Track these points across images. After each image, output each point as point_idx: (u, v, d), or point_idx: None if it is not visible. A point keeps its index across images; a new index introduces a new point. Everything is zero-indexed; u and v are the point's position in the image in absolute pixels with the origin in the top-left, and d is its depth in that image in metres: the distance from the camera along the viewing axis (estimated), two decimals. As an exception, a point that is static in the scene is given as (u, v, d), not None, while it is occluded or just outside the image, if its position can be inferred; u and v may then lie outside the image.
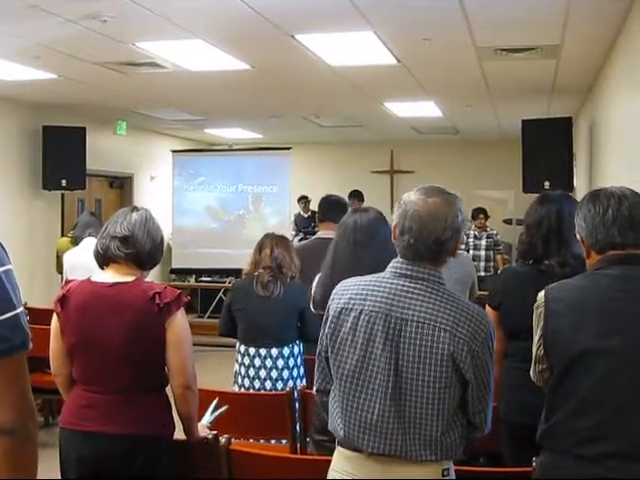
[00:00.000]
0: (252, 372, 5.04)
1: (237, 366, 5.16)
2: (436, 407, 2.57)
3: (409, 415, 2.58)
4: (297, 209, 13.89)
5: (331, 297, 2.82)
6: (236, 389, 5.10)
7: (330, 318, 2.76)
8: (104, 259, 3.43)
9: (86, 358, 3.33)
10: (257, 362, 5.04)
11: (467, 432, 2.69)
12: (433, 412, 2.57)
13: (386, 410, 2.60)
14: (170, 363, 3.30)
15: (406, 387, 2.58)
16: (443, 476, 2.63)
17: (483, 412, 2.67)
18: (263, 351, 5.04)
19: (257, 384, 5.03)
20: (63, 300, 3.37)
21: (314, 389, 2.96)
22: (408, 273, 2.65)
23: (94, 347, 3.29)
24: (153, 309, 3.25)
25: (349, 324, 2.68)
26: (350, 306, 2.70)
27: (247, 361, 5.07)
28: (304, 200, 13.81)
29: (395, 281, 2.66)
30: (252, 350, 5.06)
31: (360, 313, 2.66)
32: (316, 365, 2.94)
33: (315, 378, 2.94)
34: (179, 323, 3.29)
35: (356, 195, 12.03)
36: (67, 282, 3.51)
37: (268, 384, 5.01)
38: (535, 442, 2.73)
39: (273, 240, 5.18)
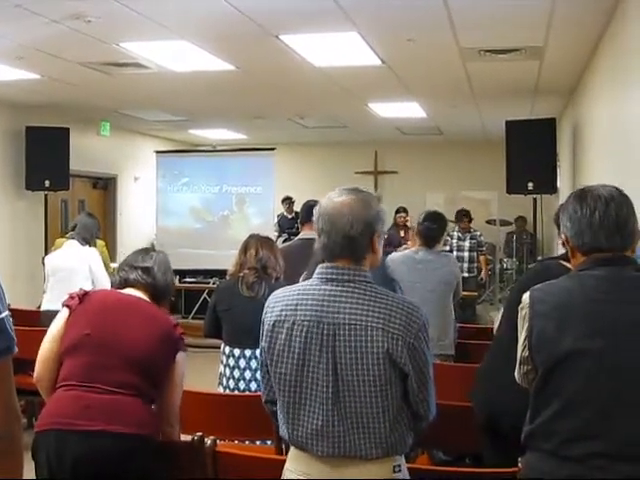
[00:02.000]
0: (237, 373, 5.03)
1: (222, 367, 5.14)
2: (380, 405, 2.59)
3: (354, 416, 2.60)
4: (281, 210, 13.88)
5: (264, 310, 2.83)
6: (221, 390, 5.09)
7: (265, 332, 2.77)
8: (123, 283, 3.61)
9: (93, 352, 3.32)
10: (242, 363, 5.03)
11: (413, 423, 2.72)
12: (378, 410, 2.60)
13: (329, 415, 2.61)
14: (167, 401, 3.44)
15: (347, 390, 2.60)
16: (394, 472, 2.66)
17: (425, 401, 2.69)
18: (248, 352, 5.02)
19: (242, 385, 5.01)
20: (84, 295, 3.47)
21: (262, 400, 2.96)
22: (334, 277, 2.67)
23: (108, 343, 3.32)
24: (175, 334, 3.47)
25: (284, 335, 2.70)
26: (282, 318, 2.71)
27: (232, 362, 5.05)
28: (288, 201, 13.81)
29: (323, 287, 2.68)
30: (237, 351, 5.04)
31: (293, 324, 2.68)
32: (261, 377, 2.96)
33: (262, 390, 2.95)
34: (182, 363, 3.49)
35: None
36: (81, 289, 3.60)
37: (253, 385, 4.99)
38: (514, 440, 2.74)
39: (258, 241, 5.17)
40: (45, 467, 3.24)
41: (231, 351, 5.07)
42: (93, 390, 3.27)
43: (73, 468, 3.19)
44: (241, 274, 5.08)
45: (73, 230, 7.47)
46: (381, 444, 2.61)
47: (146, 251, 3.73)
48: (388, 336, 2.57)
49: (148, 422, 3.32)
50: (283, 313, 2.72)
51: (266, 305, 2.84)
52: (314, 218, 2.74)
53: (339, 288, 2.65)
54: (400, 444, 2.67)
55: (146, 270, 3.58)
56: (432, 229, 5.72)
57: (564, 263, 3.71)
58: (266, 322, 2.78)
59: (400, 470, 2.68)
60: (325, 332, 2.62)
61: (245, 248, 5.16)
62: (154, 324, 3.44)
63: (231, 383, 5.04)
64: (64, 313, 3.44)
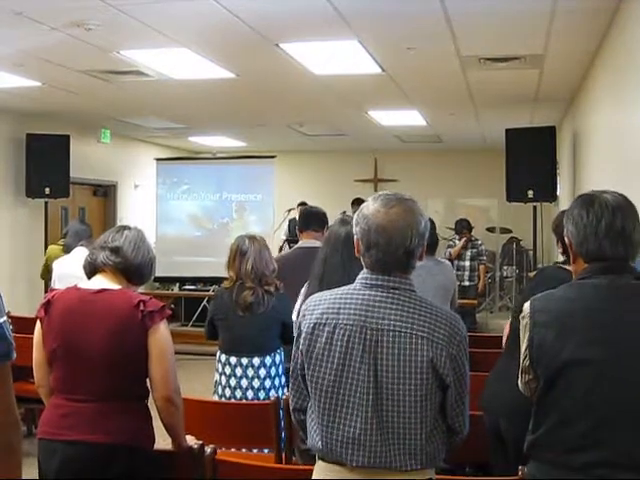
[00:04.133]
0: (233, 382, 5.00)
1: (217, 376, 5.10)
2: (419, 415, 2.55)
3: (392, 426, 2.56)
4: (281, 217, 13.86)
5: (301, 313, 2.80)
6: (216, 399, 5.05)
7: (303, 335, 2.72)
8: (92, 269, 3.45)
9: (67, 365, 3.30)
10: (238, 371, 5.00)
11: (447, 438, 2.69)
12: (416, 420, 2.56)
13: (368, 423, 2.57)
14: (152, 375, 3.29)
15: (387, 398, 2.56)
16: None
17: (462, 415, 2.67)
18: (245, 360, 4.99)
19: (238, 394, 4.98)
20: (47, 305, 3.36)
21: (290, 408, 2.92)
22: (379, 283, 2.64)
23: (76, 352, 3.27)
24: (137, 316, 3.25)
25: (324, 339, 2.65)
26: (323, 321, 2.67)
27: (228, 370, 5.02)
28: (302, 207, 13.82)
29: (367, 292, 2.65)
30: (233, 359, 5.01)
31: (334, 327, 2.64)
32: (291, 383, 2.91)
33: (290, 397, 2.91)
34: (162, 334, 3.29)
35: (359, 203, 12.03)
36: (52, 290, 3.50)
37: (250, 394, 4.96)
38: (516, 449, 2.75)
39: (255, 253, 5.01)
40: (40, 473, 3.30)
41: (227, 359, 5.04)
42: (72, 399, 3.27)
43: (58, 476, 3.22)
44: (237, 287, 5.01)
45: (64, 238, 7.49)
46: (416, 456, 2.57)
47: (118, 229, 3.52)
48: (433, 345, 2.54)
49: (128, 428, 3.27)
50: (324, 316, 2.67)
51: (303, 309, 2.81)
52: (355, 230, 2.68)
53: (384, 294, 2.62)
54: (434, 456, 2.63)
55: (115, 250, 3.40)
56: (431, 237, 5.69)
57: (563, 266, 3.74)
58: (304, 325, 2.73)
59: None
60: (368, 337, 2.59)
61: (240, 258, 5.06)
62: (111, 316, 3.26)
63: (227, 392, 5.01)
64: (38, 325, 3.39)
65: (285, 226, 13.59)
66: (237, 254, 5.08)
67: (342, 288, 2.74)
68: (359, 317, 2.61)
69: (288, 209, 13.81)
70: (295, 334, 2.81)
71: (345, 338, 2.61)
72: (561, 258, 4.10)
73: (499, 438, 3.59)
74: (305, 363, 2.72)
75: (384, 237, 2.59)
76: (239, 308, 4.97)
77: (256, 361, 4.99)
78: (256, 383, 4.98)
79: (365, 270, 2.69)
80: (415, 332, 2.56)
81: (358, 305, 2.63)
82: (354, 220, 2.72)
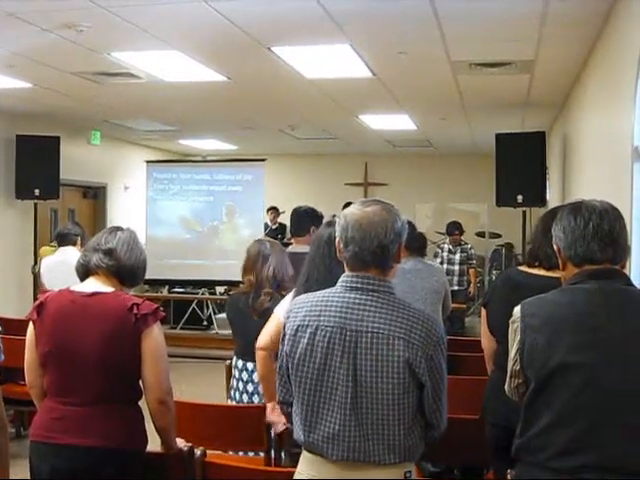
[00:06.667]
0: (250, 388, 4.89)
1: (234, 381, 5.02)
2: (397, 413, 2.65)
3: (370, 422, 2.66)
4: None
5: (286, 315, 2.88)
6: (233, 404, 4.98)
7: (287, 336, 2.83)
8: (85, 271, 3.45)
9: (59, 368, 3.29)
10: (256, 377, 4.93)
11: (425, 432, 2.77)
12: (394, 418, 2.65)
13: (347, 420, 2.67)
14: (145, 377, 3.29)
15: (366, 397, 2.65)
16: (405, 477, 2.71)
17: (439, 411, 2.75)
18: (250, 365, 4.94)
19: (256, 399, 4.87)
20: (40, 308, 3.35)
21: (277, 401, 3.01)
22: (359, 286, 2.72)
23: (68, 356, 3.26)
24: (130, 319, 3.25)
25: (306, 340, 2.75)
26: (306, 323, 2.76)
27: (245, 376, 4.91)
28: (273, 211, 13.85)
29: (347, 295, 2.73)
30: (250, 365, 4.91)
31: (316, 329, 2.73)
32: (277, 379, 2.98)
33: (277, 391, 2.99)
34: (155, 336, 3.29)
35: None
36: (45, 292, 3.49)
37: (255, 399, 4.92)
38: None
39: (276, 259, 4.95)
40: (32, 475, 3.28)
41: (244, 365, 4.95)
42: (65, 402, 3.27)
43: (49, 477, 3.22)
44: (254, 291, 4.97)
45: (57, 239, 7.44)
46: (394, 450, 2.67)
47: (111, 230, 3.49)
48: (409, 346, 2.62)
49: (122, 431, 3.27)
50: (307, 318, 2.77)
51: (288, 310, 2.90)
52: (337, 229, 2.77)
53: (363, 297, 2.70)
54: (413, 451, 2.72)
55: (108, 252, 3.38)
56: (417, 238, 5.70)
57: (523, 269, 3.78)
58: (288, 327, 2.83)
59: (411, 476, 2.74)
60: (347, 339, 2.67)
61: (262, 262, 4.97)
62: (104, 320, 3.25)
63: (244, 397, 4.92)
64: (31, 326, 3.38)
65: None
66: (259, 258, 5.00)
67: (324, 291, 2.83)
68: (339, 319, 2.70)
69: (273, 211, 13.87)
70: (281, 334, 2.89)
71: (326, 340, 2.71)
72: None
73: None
74: (289, 363, 2.82)
75: (360, 232, 2.69)
76: (255, 313, 4.91)
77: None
78: (261, 388, 4.93)
79: (346, 272, 2.78)
80: (392, 333, 2.64)
81: (338, 308, 2.72)
82: (336, 224, 2.81)
